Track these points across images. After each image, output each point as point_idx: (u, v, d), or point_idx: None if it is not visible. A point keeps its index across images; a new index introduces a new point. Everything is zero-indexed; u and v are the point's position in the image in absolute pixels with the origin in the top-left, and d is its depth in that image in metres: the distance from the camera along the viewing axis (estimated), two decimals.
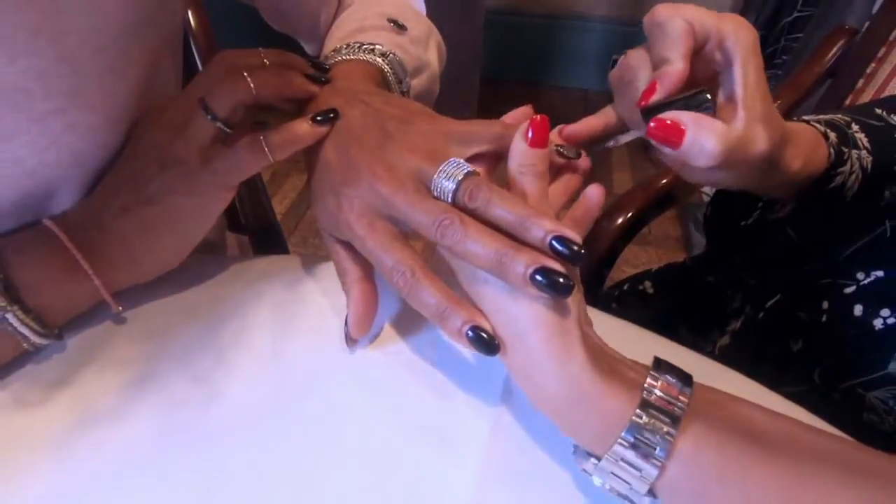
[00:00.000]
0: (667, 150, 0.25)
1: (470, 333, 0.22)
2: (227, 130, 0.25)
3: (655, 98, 0.25)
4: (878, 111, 0.34)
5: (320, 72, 0.29)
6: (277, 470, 0.23)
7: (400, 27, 0.35)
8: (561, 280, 0.20)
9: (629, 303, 0.53)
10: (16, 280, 0.24)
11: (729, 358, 0.29)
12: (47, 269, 0.25)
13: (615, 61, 0.29)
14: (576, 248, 0.20)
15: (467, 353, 0.28)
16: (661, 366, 0.21)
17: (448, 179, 0.23)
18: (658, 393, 0.20)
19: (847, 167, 0.31)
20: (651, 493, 0.20)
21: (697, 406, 0.20)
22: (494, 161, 0.27)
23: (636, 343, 0.23)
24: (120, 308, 0.28)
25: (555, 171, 0.27)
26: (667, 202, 0.55)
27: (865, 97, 0.58)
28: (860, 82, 0.58)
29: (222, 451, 0.24)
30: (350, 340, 0.27)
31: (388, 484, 0.23)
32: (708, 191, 0.42)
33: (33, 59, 0.22)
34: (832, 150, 0.30)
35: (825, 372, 0.34)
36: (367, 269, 0.27)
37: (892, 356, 0.30)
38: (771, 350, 0.38)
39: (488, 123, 0.27)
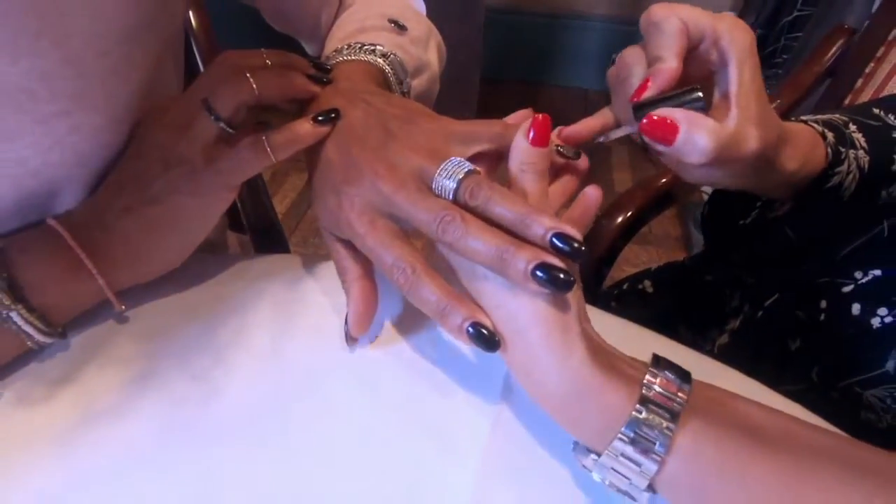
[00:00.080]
0: (659, 146, 0.25)
1: (470, 330, 0.22)
2: (230, 130, 0.26)
3: (647, 95, 0.25)
4: (876, 111, 0.34)
5: (322, 72, 0.29)
6: (277, 468, 0.23)
7: (400, 28, 0.35)
8: (561, 276, 0.20)
9: (629, 302, 0.53)
10: (20, 279, 0.24)
11: (728, 357, 0.29)
12: (51, 269, 0.25)
13: (614, 60, 0.29)
14: (576, 244, 0.21)
15: (467, 351, 0.28)
16: (659, 362, 0.21)
17: (449, 178, 0.23)
18: (657, 389, 0.20)
19: (844, 167, 0.31)
20: (650, 488, 0.20)
21: (696, 402, 0.20)
22: (495, 161, 0.27)
23: (636, 341, 0.23)
24: (123, 307, 0.28)
25: (554, 173, 0.27)
26: (666, 201, 0.56)
27: (864, 97, 0.58)
28: (859, 82, 0.59)
29: (222, 449, 0.24)
30: (350, 339, 0.27)
31: (388, 482, 0.23)
32: (708, 190, 0.42)
33: (36, 60, 0.22)
34: (830, 150, 0.31)
35: (823, 371, 0.35)
36: (367, 268, 0.27)
37: (889, 355, 0.31)
38: (769, 349, 0.38)
39: (489, 123, 0.27)
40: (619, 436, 0.20)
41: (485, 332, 0.22)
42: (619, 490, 0.21)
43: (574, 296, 0.22)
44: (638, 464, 0.19)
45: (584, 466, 0.22)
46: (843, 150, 0.31)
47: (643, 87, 0.25)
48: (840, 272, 0.34)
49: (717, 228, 0.43)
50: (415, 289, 0.23)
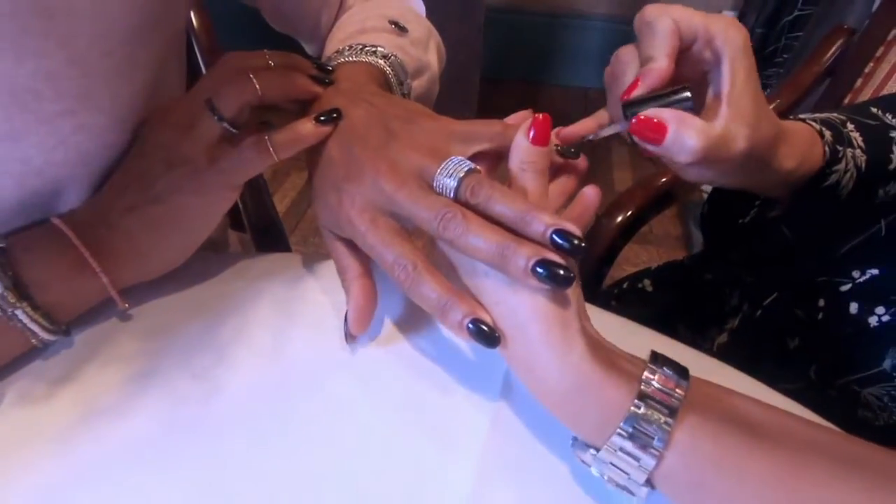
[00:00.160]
0: (648, 146, 0.25)
1: (471, 326, 0.22)
2: (233, 130, 0.26)
3: (637, 93, 0.25)
4: (874, 110, 0.35)
5: (324, 73, 0.30)
6: (277, 465, 0.24)
7: (401, 29, 0.35)
8: (561, 272, 0.20)
9: (628, 301, 0.54)
10: (25, 277, 0.24)
11: (727, 356, 0.29)
12: (56, 267, 0.25)
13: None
14: (576, 241, 0.21)
15: (467, 349, 0.29)
16: (658, 359, 0.21)
17: (450, 177, 0.23)
18: (656, 385, 0.20)
19: (842, 165, 0.31)
20: (648, 483, 0.20)
21: (694, 398, 0.20)
22: (495, 160, 0.27)
23: (635, 340, 0.23)
24: (126, 305, 0.28)
25: (553, 172, 0.28)
26: (666, 200, 0.56)
27: (864, 96, 0.58)
28: (858, 81, 0.59)
29: (223, 447, 0.24)
30: (349, 338, 0.27)
31: (388, 478, 0.23)
32: (708, 189, 0.42)
33: (42, 60, 0.22)
34: (827, 149, 0.31)
35: (821, 369, 0.35)
36: (367, 267, 0.27)
37: (886, 353, 0.31)
38: (768, 348, 0.39)
39: (489, 123, 0.27)
40: (618, 431, 0.20)
41: (485, 328, 0.22)
42: (617, 485, 0.21)
43: (573, 292, 0.22)
44: (636, 458, 0.20)
45: (582, 462, 0.22)
46: (840, 148, 0.31)
47: (633, 85, 0.25)
48: (838, 271, 0.34)
49: (717, 227, 0.43)
50: (415, 286, 0.23)
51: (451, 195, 0.24)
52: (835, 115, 0.34)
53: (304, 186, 1.35)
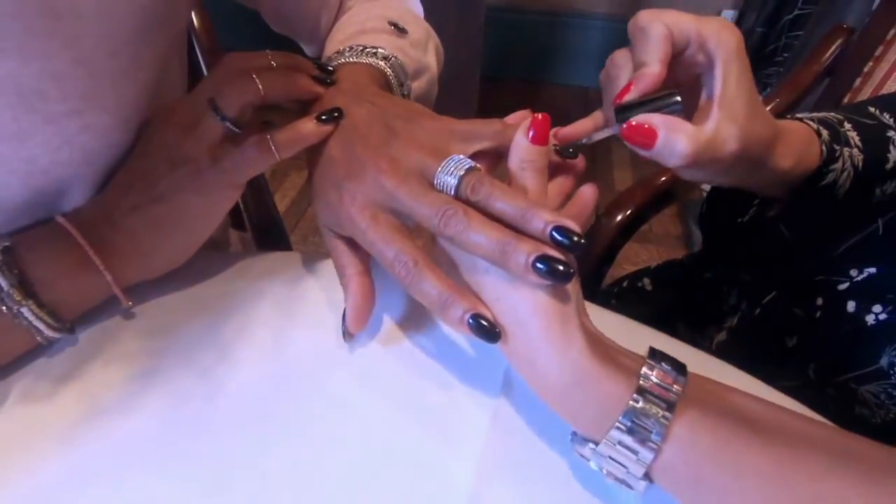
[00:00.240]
0: (641, 150, 0.26)
1: (471, 322, 0.22)
2: (236, 130, 0.26)
3: (629, 97, 0.26)
4: (872, 109, 0.35)
5: (325, 73, 0.30)
6: (280, 461, 0.24)
7: (401, 31, 0.35)
8: (561, 267, 0.21)
9: (628, 300, 0.54)
10: (30, 275, 0.24)
11: (726, 354, 0.29)
12: (61, 265, 0.26)
13: None
14: (575, 237, 0.21)
15: (467, 347, 0.29)
16: (656, 355, 0.22)
17: (450, 175, 0.24)
18: (654, 380, 0.20)
19: (839, 164, 0.31)
20: (647, 476, 0.21)
21: (692, 393, 0.21)
22: (495, 159, 0.28)
23: (635, 338, 0.24)
24: (130, 303, 0.28)
25: (551, 172, 0.28)
26: (666, 200, 0.56)
27: (863, 96, 0.58)
28: (857, 81, 0.59)
29: (225, 443, 0.24)
30: (347, 336, 0.28)
31: (390, 474, 0.24)
32: (708, 188, 0.42)
33: (48, 61, 0.23)
34: (825, 148, 0.31)
35: (819, 367, 0.35)
36: (365, 265, 0.28)
37: (883, 351, 0.31)
38: (767, 346, 0.39)
39: (489, 122, 0.27)
40: (617, 424, 0.20)
41: (485, 323, 0.22)
42: (616, 479, 0.21)
43: (573, 289, 0.22)
44: (635, 452, 0.20)
45: (581, 456, 0.22)
46: (837, 147, 0.31)
47: (626, 89, 0.26)
48: (836, 270, 0.34)
49: (715, 226, 0.43)
50: (416, 282, 0.23)
51: (452, 193, 0.24)
52: (832, 114, 0.34)
53: (303, 186, 1.35)
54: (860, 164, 0.32)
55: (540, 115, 0.24)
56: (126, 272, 0.27)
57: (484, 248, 0.22)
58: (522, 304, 0.22)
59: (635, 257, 1.19)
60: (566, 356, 0.21)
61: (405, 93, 0.34)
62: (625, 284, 0.55)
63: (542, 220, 0.22)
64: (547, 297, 0.22)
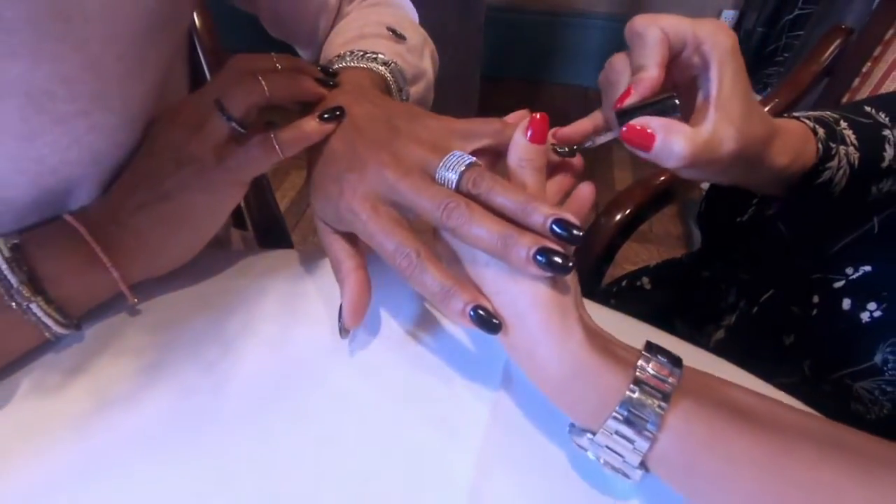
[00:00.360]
0: (640, 152, 0.26)
1: (472, 313, 0.22)
2: (242, 130, 0.26)
3: (629, 102, 0.26)
4: (868, 109, 0.35)
5: (329, 76, 0.30)
6: (283, 453, 0.24)
7: (399, 36, 0.36)
8: (560, 260, 0.21)
9: (627, 298, 0.54)
10: (39, 272, 0.25)
11: (723, 352, 0.30)
12: (68, 262, 0.26)
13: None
14: (575, 230, 0.22)
15: (468, 341, 0.29)
16: (652, 348, 0.22)
17: (451, 170, 0.24)
18: (650, 371, 0.21)
19: (835, 162, 0.32)
20: (643, 465, 0.21)
21: (687, 385, 0.21)
22: (494, 158, 0.28)
23: (633, 335, 0.24)
24: (136, 300, 0.29)
25: (550, 171, 0.28)
26: (665, 199, 0.56)
27: (861, 95, 0.59)
28: (856, 81, 0.59)
29: (230, 435, 0.25)
30: (343, 332, 0.28)
31: (392, 466, 0.24)
32: (707, 187, 0.43)
33: (58, 64, 0.23)
34: (820, 146, 0.31)
35: (815, 364, 0.35)
36: (362, 261, 0.28)
37: (878, 348, 0.31)
38: (764, 344, 0.39)
39: (489, 120, 0.28)
40: (614, 415, 0.20)
41: (486, 315, 0.23)
42: (613, 469, 0.22)
43: (572, 283, 0.23)
44: (631, 441, 0.20)
45: (579, 446, 0.23)
46: (833, 145, 0.32)
47: (626, 94, 0.26)
48: (832, 268, 0.35)
49: (714, 225, 0.44)
50: (418, 274, 0.24)
51: (453, 187, 0.24)
52: (828, 113, 0.34)
53: (303, 185, 1.36)
54: (856, 162, 0.32)
55: (538, 115, 0.25)
56: (132, 269, 0.28)
57: (485, 240, 0.22)
58: (522, 296, 0.22)
59: (635, 257, 1.19)
60: (565, 348, 0.21)
61: (404, 97, 0.34)
62: (624, 284, 0.56)
63: (541, 214, 0.22)
64: (546, 290, 0.22)
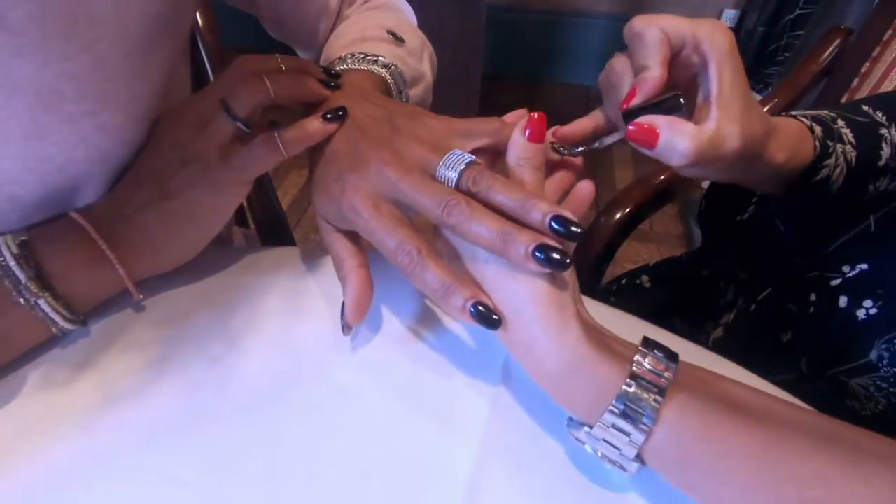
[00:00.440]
0: (644, 150, 0.26)
1: (472, 309, 0.23)
2: (246, 130, 0.27)
3: (634, 102, 0.27)
4: (865, 108, 0.35)
5: (332, 77, 0.31)
6: (287, 447, 0.25)
7: (398, 40, 0.36)
8: (558, 256, 0.22)
9: (626, 297, 0.54)
10: (46, 269, 0.25)
11: (722, 350, 0.30)
12: (76, 259, 0.26)
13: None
14: (573, 227, 0.22)
15: (468, 338, 0.30)
16: (649, 343, 0.23)
17: (451, 168, 0.25)
18: (646, 366, 0.21)
19: (832, 160, 0.32)
20: (639, 458, 0.22)
21: (682, 379, 0.21)
22: (494, 156, 0.28)
23: (632, 332, 0.24)
24: (141, 296, 0.29)
25: (550, 169, 0.29)
26: (665, 198, 0.56)
27: (860, 96, 0.59)
28: (855, 81, 0.59)
29: (234, 429, 0.25)
30: (346, 329, 0.28)
31: (394, 459, 0.24)
32: (706, 186, 0.43)
33: (66, 64, 0.23)
34: (818, 143, 0.32)
35: (811, 361, 0.36)
36: (363, 259, 0.28)
37: (873, 345, 0.32)
38: (762, 342, 0.39)
39: (488, 120, 0.28)
40: (610, 408, 0.21)
41: (486, 311, 0.23)
42: (610, 461, 0.22)
43: (570, 279, 0.23)
44: (627, 434, 0.21)
45: (577, 439, 0.23)
46: (830, 143, 0.32)
47: (631, 94, 0.27)
48: (829, 266, 0.35)
49: (714, 223, 0.44)
50: (419, 271, 0.24)
51: (453, 186, 0.25)
52: (826, 112, 0.35)
53: (304, 184, 1.36)
54: (853, 161, 0.33)
55: (536, 115, 0.25)
56: (138, 266, 0.28)
57: (485, 237, 0.23)
58: (521, 292, 0.23)
59: (636, 256, 1.20)
60: (563, 342, 0.22)
61: (404, 99, 0.35)
62: (623, 282, 0.56)
63: (540, 211, 0.22)
64: (545, 286, 0.22)
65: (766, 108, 0.61)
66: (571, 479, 0.24)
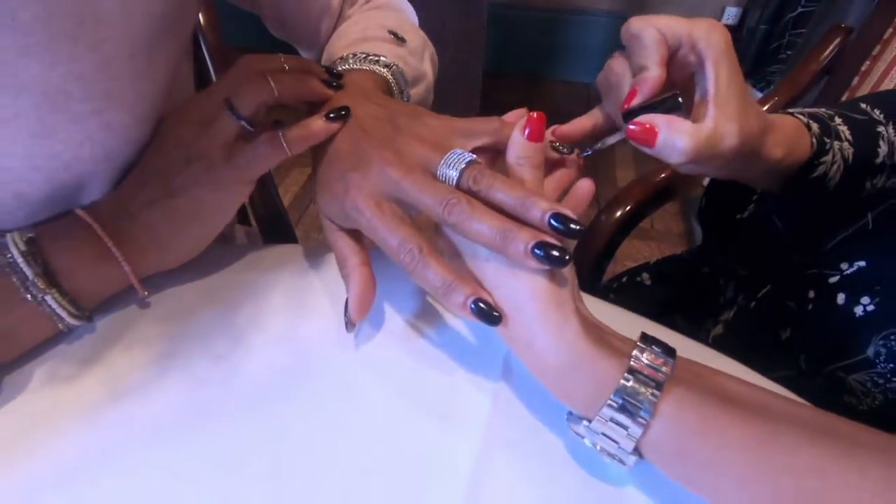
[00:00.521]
0: (644, 149, 0.27)
1: (473, 306, 0.23)
2: (250, 129, 0.27)
3: (635, 102, 0.27)
4: (863, 106, 0.36)
5: (335, 77, 0.31)
6: (290, 442, 0.25)
7: (400, 39, 0.36)
8: (557, 253, 0.22)
9: (626, 294, 0.55)
10: (53, 265, 0.26)
11: (722, 347, 0.30)
12: (82, 256, 0.27)
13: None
14: (572, 224, 0.22)
15: (469, 334, 0.30)
16: (647, 339, 0.23)
17: (452, 167, 0.25)
18: (644, 361, 0.22)
19: (829, 157, 0.32)
20: (637, 451, 0.22)
21: (679, 374, 0.22)
22: (494, 155, 0.29)
23: (632, 329, 0.25)
24: (146, 293, 0.29)
25: (549, 168, 0.29)
26: (666, 196, 0.57)
27: (861, 94, 0.59)
28: (855, 79, 0.60)
29: (238, 425, 0.26)
30: (350, 326, 0.28)
31: (396, 454, 0.25)
32: (707, 182, 0.44)
33: (73, 64, 0.24)
34: (815, 140, 0.32)
35: (810, 358, 0.36)
36: (366, 257, 0.28)
37: (870, 341, 0.32)
38: (761, 339, 0.40)
39: (488, 119, 0.28)
40: (609, 402, 0.21)
41: (487, 307, 0.23)
42: (608, 455, 0.22)
43: (569, 275, 0.24)
44: (625, 428, 0.21)
45: (576, 434, 0.23)
46: (827, 140, 0.32)
47: (631, 94, 0.27)
48: (827, 263, 0.35)
49: (714, 221, 0.44)
50: (420, 269, 0.24)
51: (454, 184, 0.25)
52: (823, 109, 0.35)
53: (306, 182, 1.36)
54: (850, 158, 0.33)
55: (535, 114, 0.25)
56: (143, 263, 0.28)
57: (485, 235, 0.23)
58: (521, 289, 0.23)
59: (637, 255, 1.20)
60: (562, 338, 0.22)
61: (405, 99, 0.35)
62: (624, 280, 0.56)
63: (540, 209, 0.23)
64: (544, 283, 0.23)
65: (766, 107, 0.61)
66: (571, 471, 0.24)
